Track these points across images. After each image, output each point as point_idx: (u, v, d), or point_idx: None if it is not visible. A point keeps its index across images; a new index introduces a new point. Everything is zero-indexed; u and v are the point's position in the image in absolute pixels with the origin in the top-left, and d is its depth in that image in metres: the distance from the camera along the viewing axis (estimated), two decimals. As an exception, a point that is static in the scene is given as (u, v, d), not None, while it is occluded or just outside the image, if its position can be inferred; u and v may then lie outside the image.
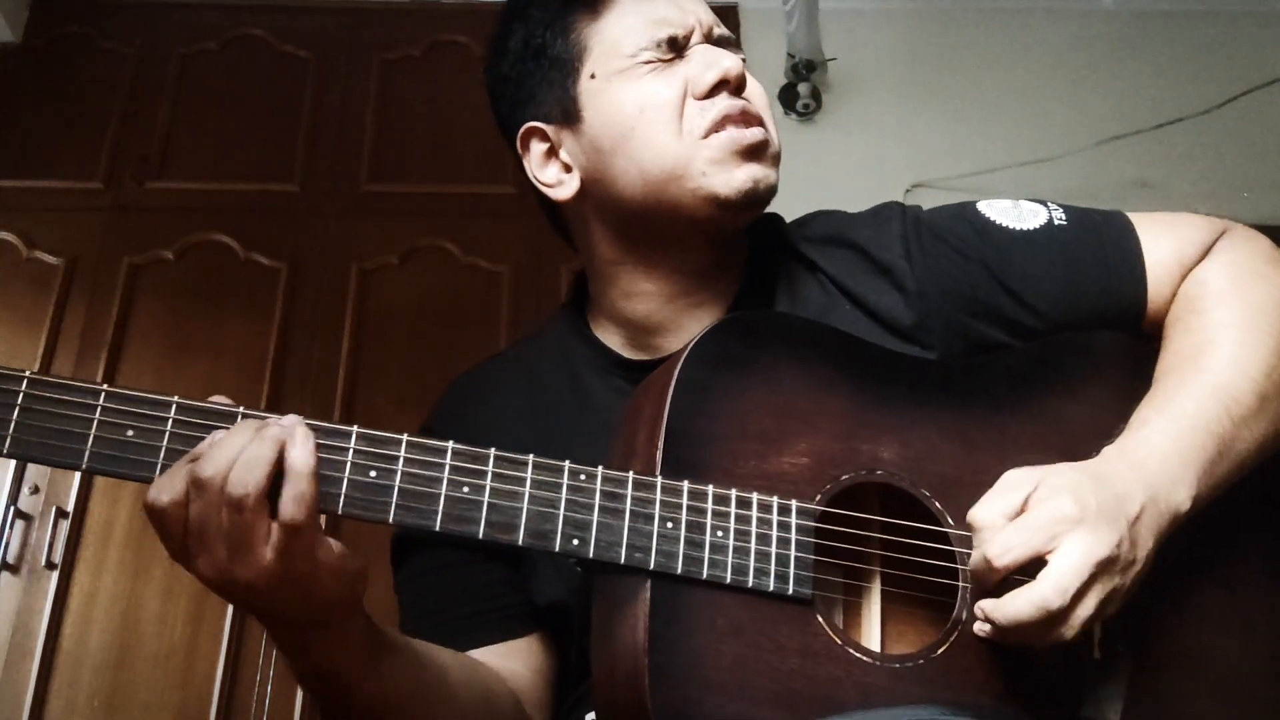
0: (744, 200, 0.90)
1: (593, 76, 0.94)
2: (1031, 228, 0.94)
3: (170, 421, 0.69)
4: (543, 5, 0.98)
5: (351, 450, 0.70)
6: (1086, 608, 0.71)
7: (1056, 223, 0.94)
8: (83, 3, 3.05)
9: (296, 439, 0.67)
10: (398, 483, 0.70)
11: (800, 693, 0.72)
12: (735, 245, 0.98)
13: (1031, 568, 0.72)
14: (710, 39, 0.95)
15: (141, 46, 2.99)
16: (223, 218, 2.77)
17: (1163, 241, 0.92)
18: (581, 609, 0.85)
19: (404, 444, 0.71)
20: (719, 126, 0.90)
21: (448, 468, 0.72)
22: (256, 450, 0.66)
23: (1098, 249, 0.92)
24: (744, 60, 0.95)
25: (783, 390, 0.81)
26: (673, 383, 0.78)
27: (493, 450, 0.73)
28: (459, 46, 3.04)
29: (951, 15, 3.16)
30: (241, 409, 0.70)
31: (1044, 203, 0.96)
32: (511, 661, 0.93)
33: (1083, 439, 0.83)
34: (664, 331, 0.96)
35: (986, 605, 0.73)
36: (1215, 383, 0.82)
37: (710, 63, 0.92)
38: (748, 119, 0.91)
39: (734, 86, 0.92)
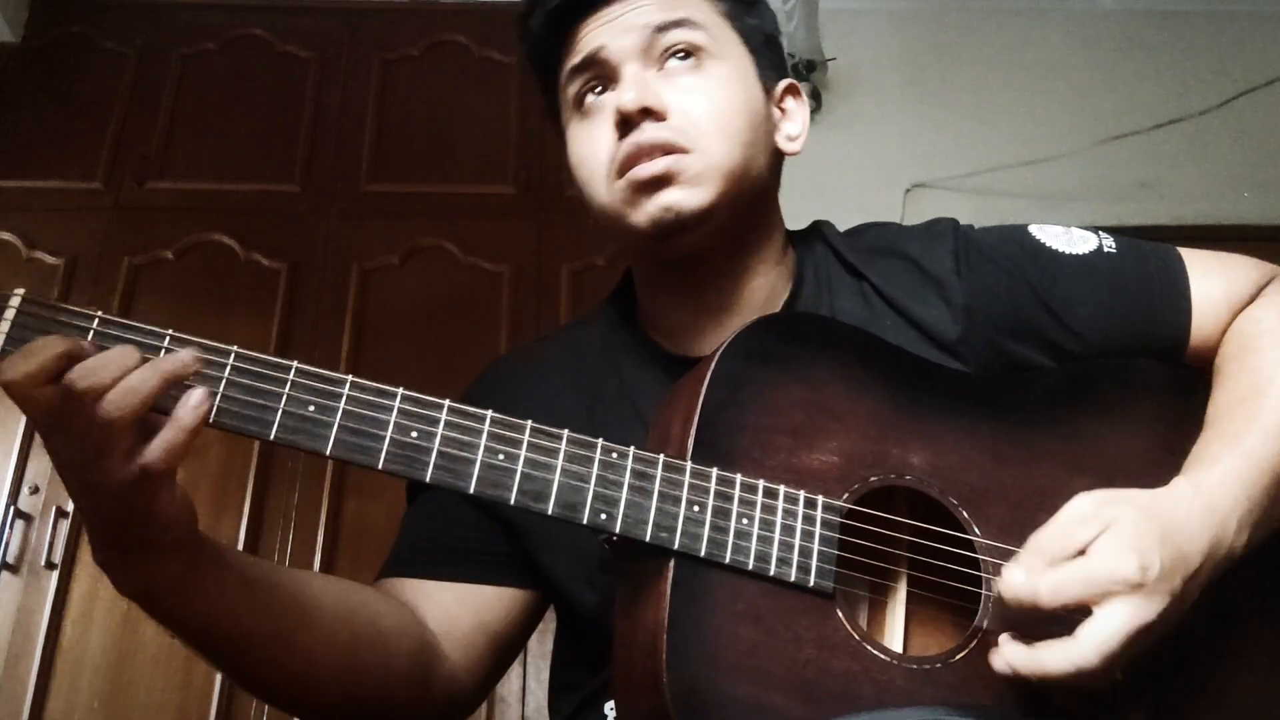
0: (657, 231, 0.88)
1: (556, 118, 0.98)
2: (1080, 253, 0.94)
3: (345, 397, 0.73)
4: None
5: (396, 410, 0.73)
6: (1119, 663, 0.71)
7: (1106, 250, 0.94)
8: (83, 3, 3.05)
9: (192, 398, 0.67)
10: (437, 445, 0.73)
11: (814, 682, 0.73)
12: (772, 254, 0.97)
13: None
14: (655, 47, 0.91)
15: (141, 46, 2.99)
16: (223, 218, 2.77)
17: (1212, 278, 0.93)
18: (604, 598, 0.86)
19: (445, 408, 0.74)
20: (625, 167, 0.88)
21: (485, 434, 0.74)
22: (141, 381, 0.65)
23: (1144, 278, 0.93)
24: (695, 43, 0.91)
25: (818, 389, 0.82)
26: (709, 373, 0.79)
27: (529, 422, 0.75)
28: (459, 46, 3.04)
29: (951, 15, 3.16)
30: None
31: (1096, 231, 0.96)
32: (460, 606, 0.93)
33: (1117, 462, 0.84)
34: (697, 335, 0.96)
35: (1017, 659, 0.72)
36: (1276, 426, 0.81)
37: (615, 104, 0.89)
38: (649, 151, 0.87)
39: (624, 121, 0.88)
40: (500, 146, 2.88)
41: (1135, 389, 0.90)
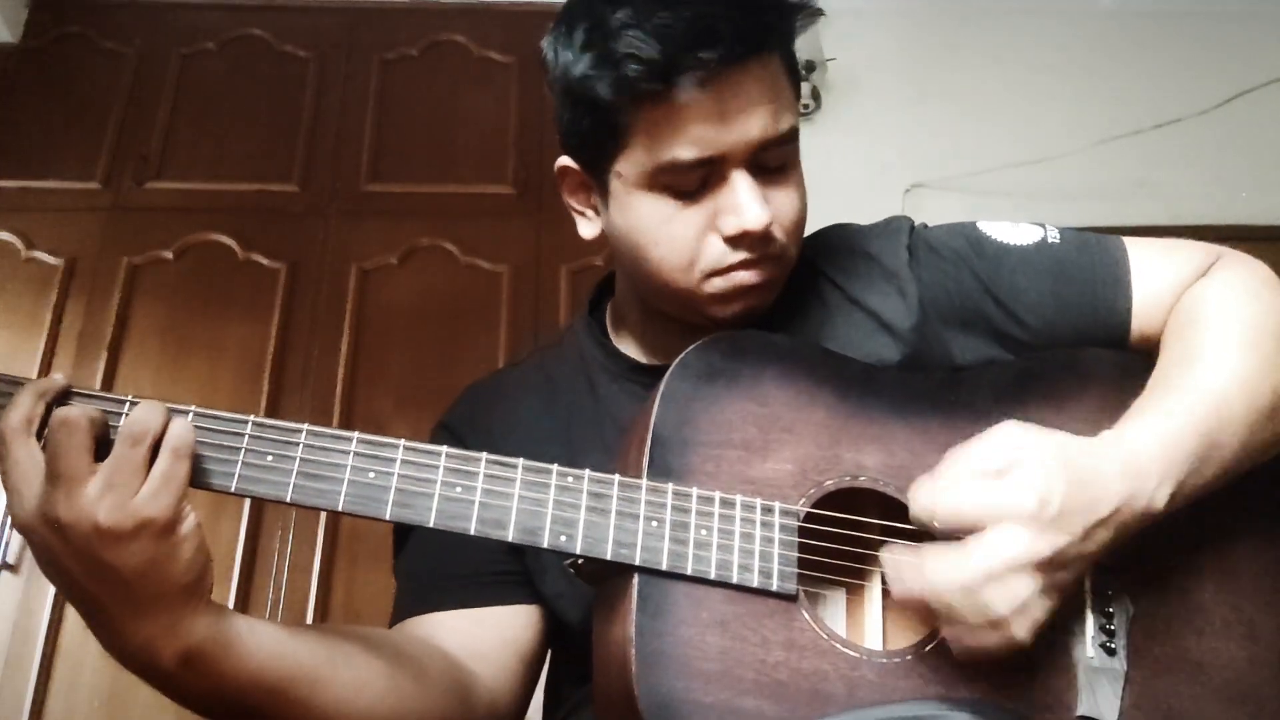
0: (730, 324, 0.92)
1: (619, 175, 0.89)
2: (1024, 243, 0.96)
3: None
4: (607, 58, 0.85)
5: (352, 454, 0.74)
6: (1014, 596, 0.71)
7: (1049, 240, 0.96)
8: (83, 3, 3.05)
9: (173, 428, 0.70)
10: (394, 484, 0.74)
11: (785, 684, 0.74)
12: None
13: None
14: (757, 157, 0.87)
15: (141, 46, 2.99)
16: (222, 218, 2.77)
17: (1155, 264, 0.94)
18: (587, 615, 0.87)
19: (401, 448, 0.75)
20: (729, 270, 0.88)
21: (441, 470, 0.75)
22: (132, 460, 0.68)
23: (1087, 267, 0.94)
24: (789, 131, 0.88)
25: (766, 402, 0.83)
26: (658, 395, 0.81)
27: (484, 455, 0.76)
28: (458, 46, 3.04)
29: (951, 15, 3.16)
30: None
31: (1042, 225, 0.98)
32: (482, 630, 0.93)
33: None
34: (676, 347, 0.96)
35: (907, 574, 0.74)
36: (1208, 386, 0.82)
37: (737, 208, 0.86)
38: (759, 264, 0.88)
39: (752, 241, 0.87)
40: (499, 146, 2.88)
41: (1085, 377, 0.91)
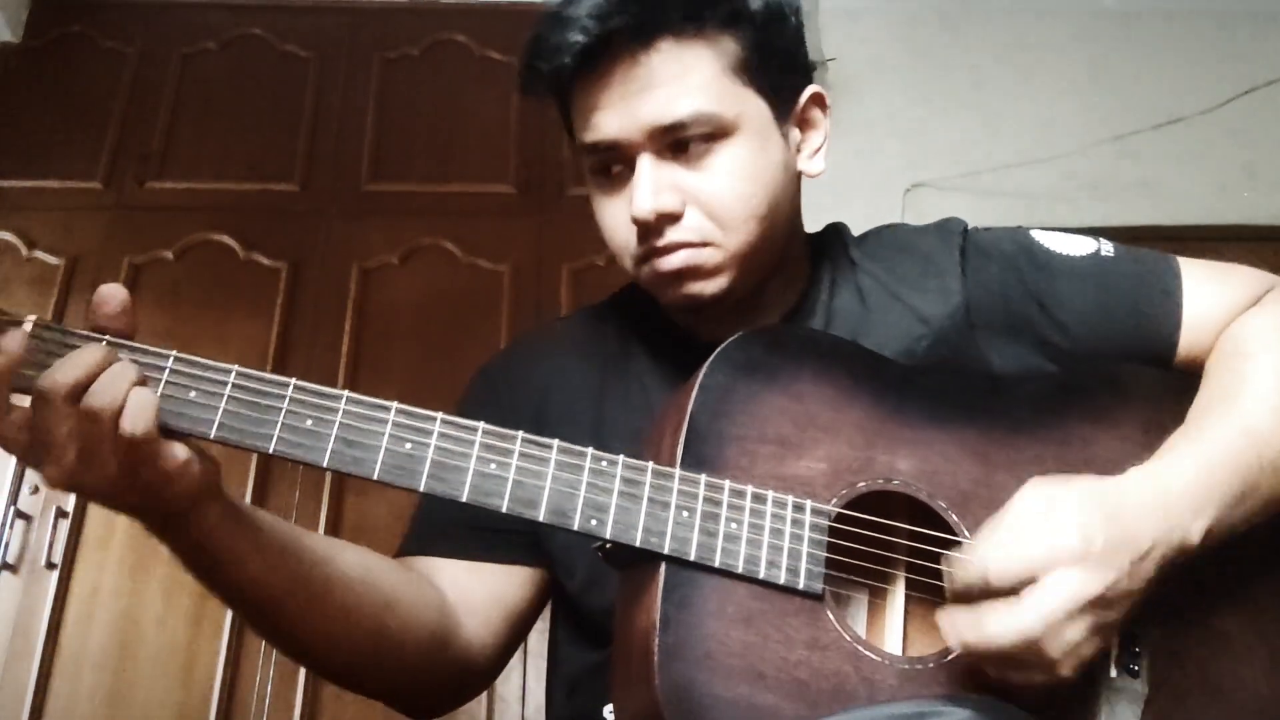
0: (683, 309, 0.93)
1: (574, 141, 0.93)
2: (1077, 254, 0.96)
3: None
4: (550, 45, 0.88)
5: (390, 423, 0.75)
6: (1067, 642, 0.71)
7: (1103, 254, 0.96)
8: (83, 3, 3.05)
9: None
10: (430, 455, 0.75)
11: (806, 683, 0.74)
12: (788, 263, 0.98)
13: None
14: (669, 142, 0.88)
15: (142, 46, 2.99)
16: (223, 218, 2.77)
17: (1208, 288, 0.94)
18: (589, 577, 0.89)
19: (438, 421, 0.76)
20: (647, 257, 0.90)
21: (477, 444, 0.76)
22: (122, 368, 0.69)
23: (1137, 283, 0.94)
24: (703, 132, 0.87)
25: (804, 400, 0.83)
26: (696, 385, 0.81)
27: (520, 433, 0.77)
28: (459, 46, 3.04)
29: (951, 15, 3.15)
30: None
31: (1097, 239, 0.98)
32: (476, 582, 0.96)
33: (1105, 465, 0.83)
34: (718, 325, 0.95)
35: (964, 628, 0.72)
36: (1250, 425, 0.82)
37: (630, 197, 0.88)
38: (667, 250, 0.89)
39: (646, 229, 0.88)
40: (500, 146, 2.88)
41: (1125, 393, 0.90)
